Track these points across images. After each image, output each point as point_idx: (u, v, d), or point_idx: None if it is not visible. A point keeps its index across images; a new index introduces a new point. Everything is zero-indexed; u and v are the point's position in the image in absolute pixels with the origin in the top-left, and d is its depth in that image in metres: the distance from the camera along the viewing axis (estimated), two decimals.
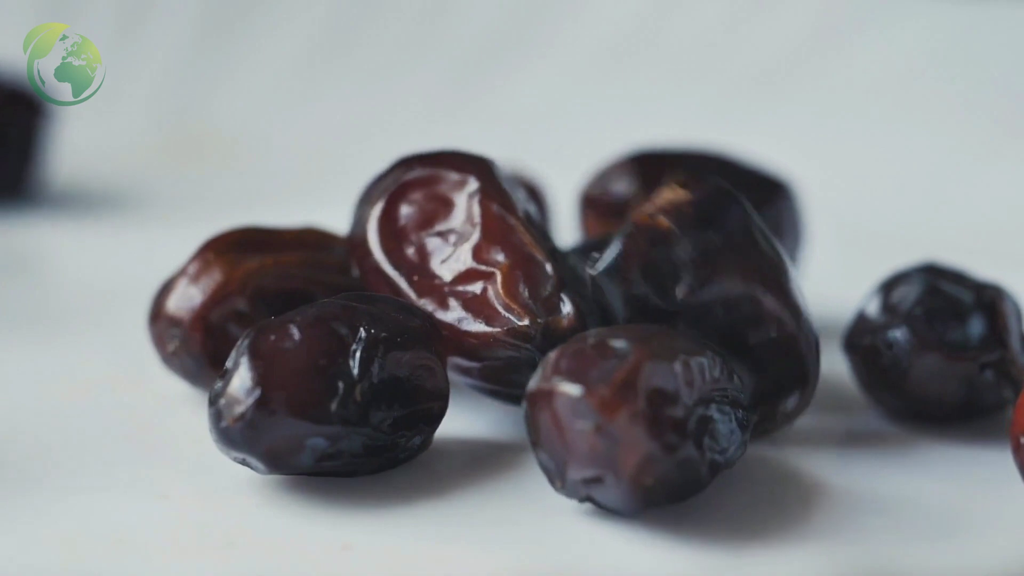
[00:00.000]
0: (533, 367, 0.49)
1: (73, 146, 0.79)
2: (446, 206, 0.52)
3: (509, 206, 0.52)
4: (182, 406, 0.54)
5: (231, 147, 0.83)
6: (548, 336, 0.50)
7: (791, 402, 0.50)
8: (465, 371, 0.51)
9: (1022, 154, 0.75)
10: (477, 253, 0.52)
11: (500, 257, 0.51)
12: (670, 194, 0.51)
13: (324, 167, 0.81)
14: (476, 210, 0.52)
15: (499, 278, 0.51)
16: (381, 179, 0.53)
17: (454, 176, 0.53)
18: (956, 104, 0.79)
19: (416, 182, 0.53)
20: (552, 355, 0.47)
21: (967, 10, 0.82)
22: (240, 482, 0.49)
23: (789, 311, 0.50)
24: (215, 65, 0.89)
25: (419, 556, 0.45)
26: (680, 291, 0.50)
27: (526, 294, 0.51)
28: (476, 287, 0.51)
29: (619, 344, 0.46)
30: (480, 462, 0.50)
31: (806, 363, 0.51)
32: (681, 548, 0.46)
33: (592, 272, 0.51)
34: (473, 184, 0.52)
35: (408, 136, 0.82)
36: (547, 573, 0.45)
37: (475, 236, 0.52)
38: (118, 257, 0.68)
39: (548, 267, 0.51)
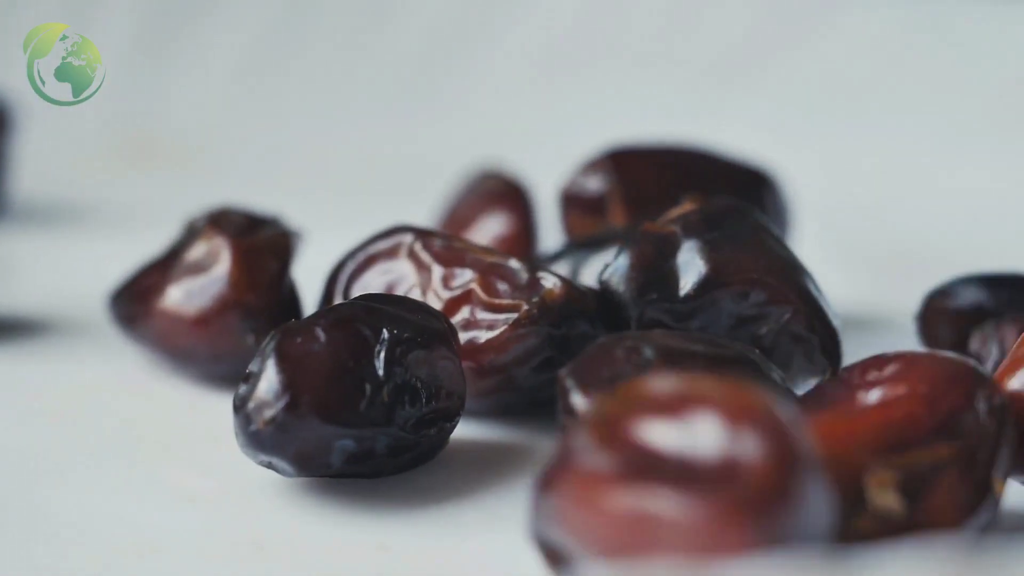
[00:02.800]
0: (555, 347, 0.50)
1: (26, 155, 0.78)
2: (396, 271, 0.53)
3: (447, 236, 0.54)
4: (192, 409, 0.54)
5: (185, 150, 0.82)
6: (547, 309, 0.51)
7: None
8: (497, 390, 0.52)
9: (994, 141, 0.76)
10: (446, 284, 0.52)
11: (468, 275, 0.52)
12: (680, 208, 0.52)
13: (285, 168, 0.81)
14: (423, 255, 0.53)
15: (477, 292, 0.52)
16: (329, 285, 0.54)
17: (384, 244, 0.54)
18: (933, 92, 0.80)
19: (358, 270, 0.54)
20: None
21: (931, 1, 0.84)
22: (264, 484, 0.49)
23: (802, 300, 0.51)
24: (164, 68, 0.88)
25: (455, 556, 0.45)
26: (688, 290, 0.51)
27: (508, 289, 0.52)
28: (464, 312, 0.52)
29: None
30: (497, 461, 0.51)
31: (827, 348, 0.51)
32: None
33: (602, 279, 0.52)
34: (407, 237, 0.53)
35: (376, 139, 0.82)
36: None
37: (436, 273, 0.53)
38: (93, 264, 0.68)
39: (512, 261, 0.52)
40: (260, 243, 0.55)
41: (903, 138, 0.78)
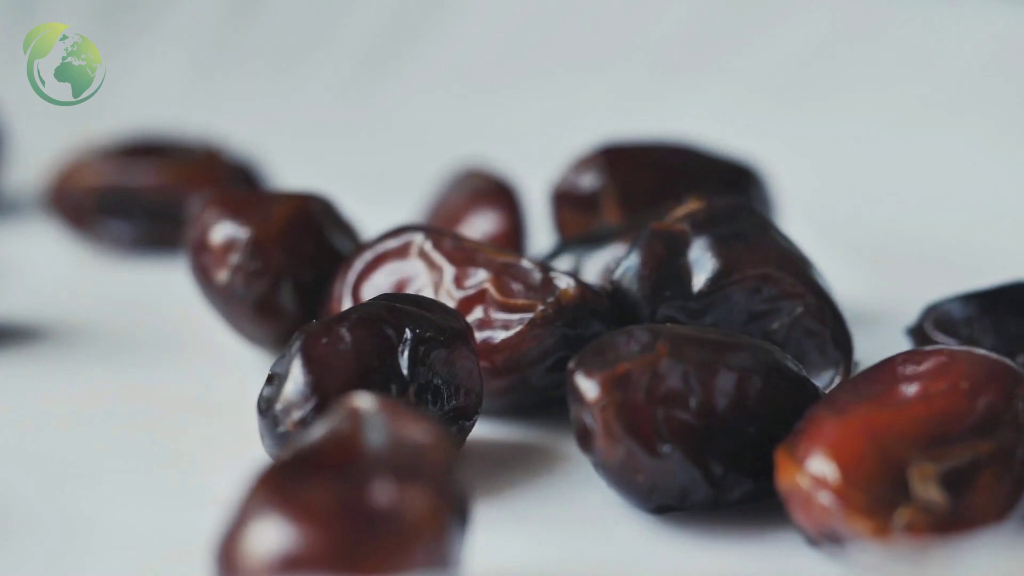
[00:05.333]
0: (569, 347, 0.50)
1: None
2: (406, 271, 0.53)
3: (456, 235, 0.54)
4: (207, 411, 0.54)
5: None
6: (563, 309, 0.51)
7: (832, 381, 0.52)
8: (510, 390, 0.52)
9: (978, 135, 0.77)
10: (459, 284, 0.52)
11: (481, 275, 0.52)
12: (685, 207, 0.53)
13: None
14: (434, 254, 0.53)
15: (491, 292, 0.52)
16: (337, 283, 0.54)
17: (393, 243, 0.54)
18: (924, 86, 0.81)
19: (367, 270, 0.54)
20: None
21: None
22: None
23: (813, 293, 0.52)
24: (120, 63, 0.88)
25: (472, 554, 0.45)
26: (700, 286, 0.51)
27: (522, 289, 0.52)
28: (477, 312, 0.52)
29: None
30: (513, 459, 0.51)
31: (839, 341, 0.52)
32: (720, 548, 0.46)
33: (614, 279, 0.52)
34: (417, 237, 0.53)
35: (354, 139, 0.82)
36: (603, 572, 0.45)
37: (448, 273, 0.53)
38: (90, 264, 0.67)
39: (524, 262, 0.52)
40: None
41: (890, 132, 0.79)
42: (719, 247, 0.52)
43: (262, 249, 0.55)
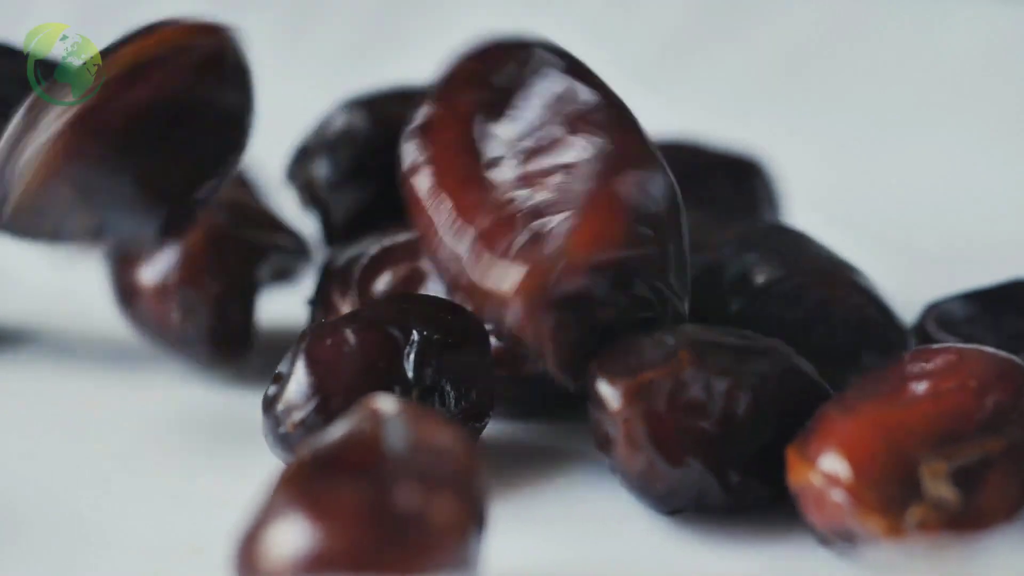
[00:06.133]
0: None
1: None
2: (415, 268, 0.53)
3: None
4: (205, 413, 0.53)
5: None
6: None
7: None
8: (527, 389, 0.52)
9: (979, 133, 0.77)
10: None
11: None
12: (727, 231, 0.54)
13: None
14: None
15: None
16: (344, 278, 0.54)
17: (402, 240, 0.54)
18: (923, 82, 0.81)
19: (374, 266, 0.54)
20: None
21: None
22: None
23: (861, 295, 0.53)
24: None
25: (485, 556, 0.45)
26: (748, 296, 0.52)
27: None
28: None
29: None
30: (524, 461, 0.51)
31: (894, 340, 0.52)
32: (732, 547, 0.46)
33: None
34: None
35: None
36: (614, 572, 0.45)
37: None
38: (72, 266, 0.67)
39: None
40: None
41: (891, 131, 0.79)
42: (763, 261, 0.52)
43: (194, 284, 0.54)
